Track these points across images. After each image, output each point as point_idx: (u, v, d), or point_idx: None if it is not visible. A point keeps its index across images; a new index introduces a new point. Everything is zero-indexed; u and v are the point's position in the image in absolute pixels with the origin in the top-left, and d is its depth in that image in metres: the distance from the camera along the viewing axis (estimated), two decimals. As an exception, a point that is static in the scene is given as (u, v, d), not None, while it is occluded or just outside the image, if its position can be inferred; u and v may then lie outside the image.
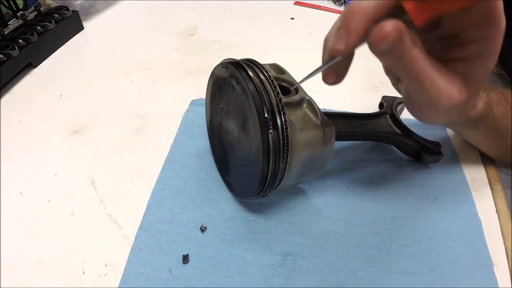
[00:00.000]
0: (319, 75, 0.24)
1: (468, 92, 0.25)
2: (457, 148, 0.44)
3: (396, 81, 0.33)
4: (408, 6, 0.20)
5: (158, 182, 0.39)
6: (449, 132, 0.46)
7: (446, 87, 0.24)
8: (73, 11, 0.63)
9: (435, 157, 0.40)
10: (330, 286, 0.32)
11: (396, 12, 0.20)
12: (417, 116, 0.29)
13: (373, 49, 0.21)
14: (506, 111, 0.36)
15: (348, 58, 0.23)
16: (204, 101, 0.39)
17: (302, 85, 0.33)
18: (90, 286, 0.31)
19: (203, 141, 0.43)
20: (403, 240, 0.35)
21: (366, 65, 0.48)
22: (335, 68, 0.24)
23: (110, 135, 0.45)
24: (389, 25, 0.20)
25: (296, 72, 0.35)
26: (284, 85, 0.34)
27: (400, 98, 0.44)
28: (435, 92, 0.24)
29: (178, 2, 0.75)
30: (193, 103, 0.49)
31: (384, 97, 0.45)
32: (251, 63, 0.32)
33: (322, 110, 0.32)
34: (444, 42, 0.25)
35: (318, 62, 0.24)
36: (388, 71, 0.33)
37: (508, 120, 0.36)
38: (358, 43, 0.21)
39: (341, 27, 0.22)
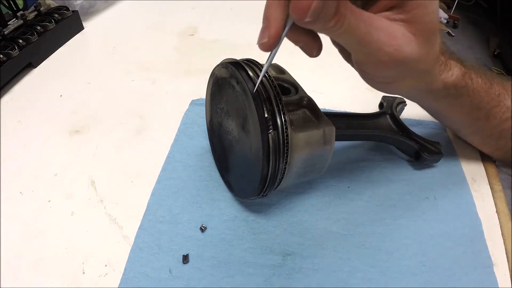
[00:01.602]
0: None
1: (418, 41, 0.23)
2: (457, 148, 0.44)
3: (346, 55, 0.31)
4: None
5: (158, 182, 0.39)
6: (449, 132, 0.46)
7: (386, 37, 0.23)
8: (73, 11, 0.63)
9: (435, 157, 0.40)
10: (330, 286, 0.32)
11: None
12: (374, 81, 0.26)
13: (300, 23, 0.21)
14: (486, 86, 0.34)
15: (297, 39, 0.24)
16: (204, 101, 0.39)
17: (302, 85, 0.34)
18: (90, 286, 0.31)
19: (203, 141, 0.43)
20: (403, 240, 0.35)
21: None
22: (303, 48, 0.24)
23: (110, 135, 0.45)
24: None
25: (296, 72, 0.35)
26: (284, 85, 0.34)
27: (400, 98, 0.44)
28: (375, 44, 0.23)
29: (178, 2, 0.75)
30: (193, 103, 0.49)
31: (384, 97, 0.45)
32: (251, 63, 0.31)
33: (322, 110, 0.32)
34: None
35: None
36: (336, 44, 0.30)
37: (489, 96, 0.34)
38: (281, 30, 0.22)
39: (263, 21, 0.22)
